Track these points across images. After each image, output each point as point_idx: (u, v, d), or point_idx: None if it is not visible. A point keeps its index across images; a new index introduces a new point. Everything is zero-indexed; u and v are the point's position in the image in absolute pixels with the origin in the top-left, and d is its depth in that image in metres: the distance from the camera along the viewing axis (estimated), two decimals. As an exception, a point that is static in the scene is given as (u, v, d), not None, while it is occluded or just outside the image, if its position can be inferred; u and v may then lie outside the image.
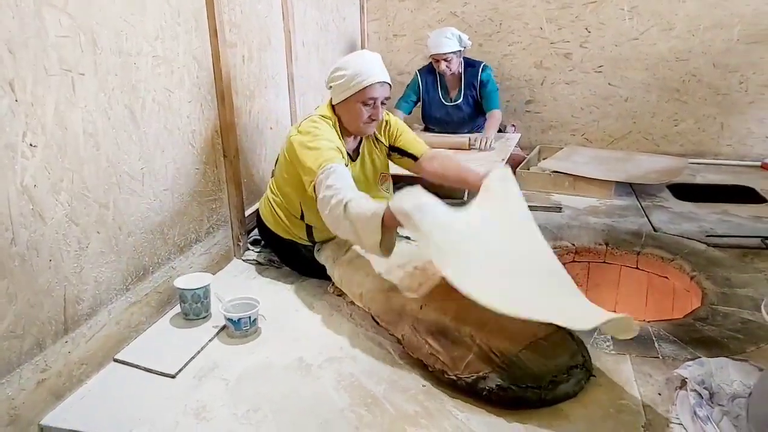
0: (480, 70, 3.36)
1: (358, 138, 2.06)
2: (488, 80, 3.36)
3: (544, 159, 3.35)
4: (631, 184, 3.00)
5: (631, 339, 1.58)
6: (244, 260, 2.24)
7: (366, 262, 1.85)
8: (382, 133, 2.12)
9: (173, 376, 1.53)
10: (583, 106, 3.80)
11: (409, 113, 3.55)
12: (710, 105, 3.58)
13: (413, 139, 2.14)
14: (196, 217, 2.03)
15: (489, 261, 1.48)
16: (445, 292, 1.52)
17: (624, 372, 1.52)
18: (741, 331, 1.68)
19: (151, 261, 1.80)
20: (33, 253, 1.36)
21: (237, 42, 2.21)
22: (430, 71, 3.46)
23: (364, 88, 1.86)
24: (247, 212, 2.32)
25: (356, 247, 1.90)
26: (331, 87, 1.96)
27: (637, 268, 2.26)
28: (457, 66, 3.32)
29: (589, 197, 2.91)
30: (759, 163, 3.50)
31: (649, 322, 1.78)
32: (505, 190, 1.70)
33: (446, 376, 1.45)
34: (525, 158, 3.29)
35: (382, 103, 1.93)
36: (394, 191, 2.13)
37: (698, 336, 1.66)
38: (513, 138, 3.42)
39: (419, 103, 3.55)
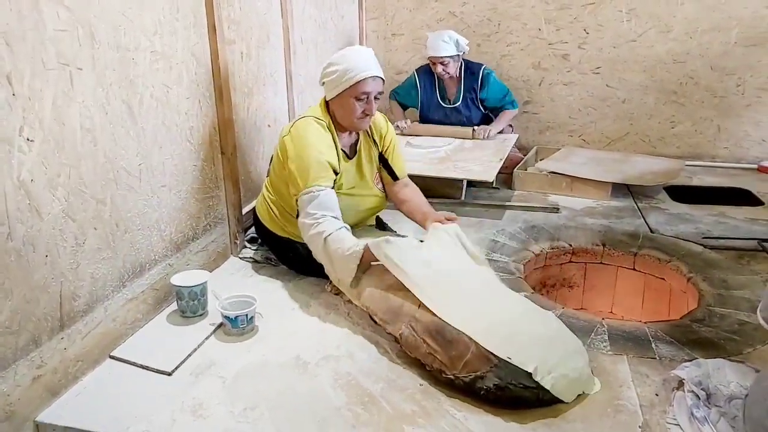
0: (481, 74, 3.35)
1: (355, 135, 2.06)
2: (495, 88, 3.37)
3: (541, 160, 3.36)
4: (628, 186, 3.01)
5: (628, 340, 1.59)
6: (241, 258, 2.23)
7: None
8: (379, 137, 2.11)
9: (170, 374, 1.52)
10: (581, 108, 3.80)
11: (403, 109, 3.60)
12: (707, 107, 3.59)
13: (401, 159, 2.19)
14: (194, 214, 2.02)
15: (452, 288, 1.65)
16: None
17: (621, 372, 1.52)
18: (738, 332, 1.68)
19: (148, 258, 1.79)
20: (29, 249, 1.35)
21: (235, 39, 2.20)
22: (427, 72, 3.46)
23: (357, 82, 1.86)
24: (245, 210, 2.31)
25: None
26: (324, 83, 1.96)
27: (633, 269, 2.27)
28: (454, 70, 3.32)
29: (586, 198, 2.92)
30: (755, 166, 3.51)
31: (646, 323, 1.78)
32: (452, 238, 1.87)
33: (444, 375, 1.45)
34: (522, 159, 3.29)
35: (376, 98, 1.93)
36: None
37: (695, 337, 1.67)
38: (511, 138, 3.42)
39: (414, 106, 3.57)
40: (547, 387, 1.36)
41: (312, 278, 2.03)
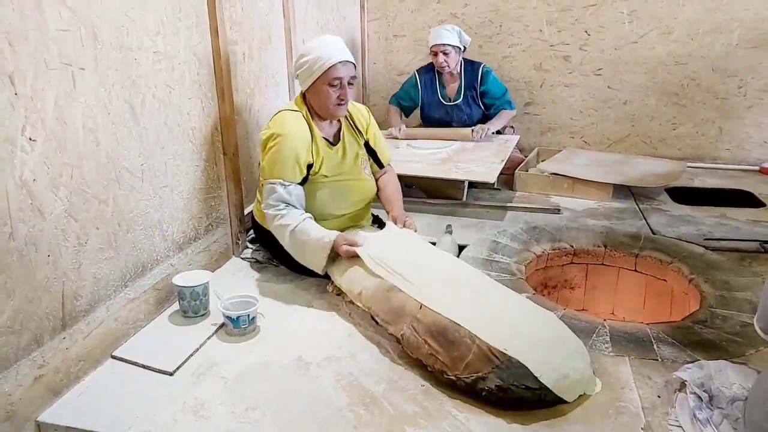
0: (480, 72, 3.35)
1: (336, 123, 2.12)
2: (493, 84, 3.36)
3: (542, 161, 3.35)
4: (629, 187, 3.01)
5: (630, 342, 1.58)
6: (243, 258, 2.23)
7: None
8: (363, 127, 2.19)
9: (171, 374, 1.52)
10: (582, 109, 3.80)
11: (408, 116, 3.56)
12: (709, 109, 3.59)
13: (385, 147, 2.30)
14: (196, 215, 2.02)
15: (452, 289, 1.70)
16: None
17: (623, 374, 1.52)
18: (740, 334, 1.68)
19: (150, 258, 1.80)
20: (31, 248, 1.35)
21: (238, 39, 2.20)
22: (428, 71, 3.45)
23: (328, 69, 1.92)
24: (246, 210, 2.31)
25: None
26: (298, 75, 2.02)
27: (635, 270, 2.26)
28: (455, 63, 3.31)
29: (587, 199, 2.91)
30: (757, 168, 3.51)
31: (647, 324, 1.78)
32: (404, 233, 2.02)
33: (445, 376, 1.44)
34: (524, 160, 3.29)
35: (350, 84, 1.99)
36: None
37: (697, 339, 1.66)
38: (512, 140, 3.41)
39: (415, 109, 3.56)
40: (549, 385, 1.36)
41: (314, 279, 2.03)
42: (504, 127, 3.66)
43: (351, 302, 1.81)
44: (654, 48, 3.55)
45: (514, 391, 1.36)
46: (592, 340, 1.65)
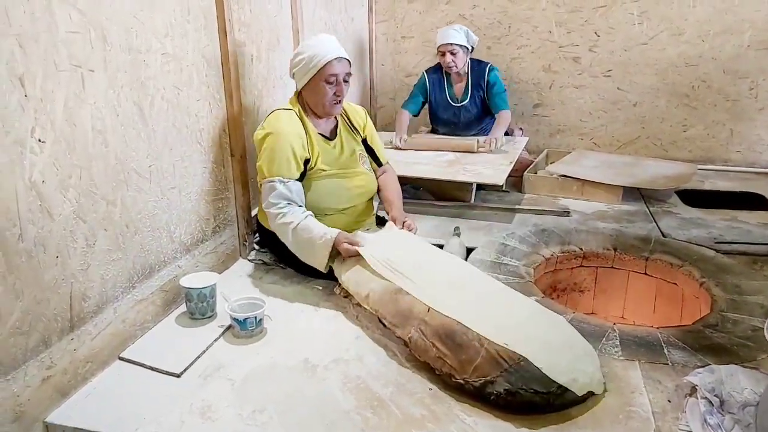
0: (487, 70, 3.34)
1: (332, 120, 2.14)
2: (495, 81, 3.35)
3: (551, 163, 3.34)
4: (639, 190, 2.99)
5: (640, 346, 1.57)
6: (250, 260, 2.23)
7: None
8: (360, 125, 2.22)
9: (178, 376, 1.52)
10: (592, 111, 3.78)
11: (417, 114, 3.54)
12: (720, 111, 3.56)
13: (382, 146, 2.34)
14: (203, 216, 2.02)
15: (458, 293, 1.69)
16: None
17: (633, 378, 1.50)
18: (751, 338, 1.66)
19: (158, 259, 1.80)
20: (40, 250, 1.35)
21: (246, 41, 2.20)
22: (436, 71, 3.45)
23: (323, 66, 1.96)
24: (254, 212, 2.31)
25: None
26: (293, 74, 2.05)
27: (645, 273, 2.24)
28: (462, 63, 3.30)
29: (597, 202, 2.89)
30: (768, 170, 3.48)
31: (658, 328, 1.76)
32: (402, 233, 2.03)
33: (453, 379, 1.43)
34: (533, 162, 3.28)
35: (345, 81, 2.02)
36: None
37: (708, 343, 1.64)
38: (521, 141, 3.40)
39: (426, 105, 3.55)
40: (561, 382, 1.35)
41: (321, 281, 2.02)
42: (512, 130, 3.66)
43: (358, 305, 1.81)
44: (664, 49, 3.53)
45: (522, 395, 1.35)
46: (602, 344, 1.64)
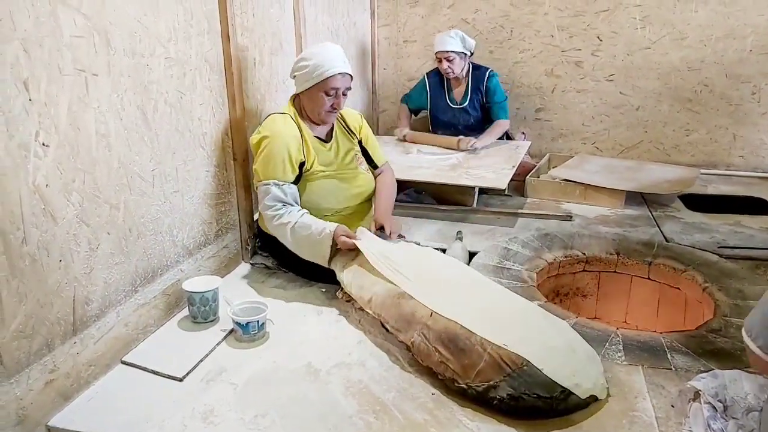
0: (486, 76, 3.36)
1: (327, 125, 2.16)
2: (496, 89, 3.36)
3: (554, 167, 3.33)
4: (642, 194, 2.98)
5: (643, 351, 1.56)
6: (252, 264, 2.23)
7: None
8: (356, 129, 2.24)
9: (181, 380, 1.52)
10: (594, 115, 3.78)
11: (416, 115, 3.62)
12: (722, 115, 3.56)
13: (378, 148, 2.34)
14: (206, 220, 2.02)
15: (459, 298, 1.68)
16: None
17: (636, 383, 1.50)
18: (755, 343, 1.65)
19: (160, 263, 1.80)
20: (44, 253, 1.35)
21: (249, 45, 2.21)
22: (437, 74, 3.47)
23: (327, 78, 1.98)
24: (256, 216, 2.31)
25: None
26: (295, 76, 2.06)
27: (648, 278, 2.24)
28: (460, 68, 3.33)
29: (599, 206, 2.89)
30: (771, 175, 3.47)
31: (661, 333, 1.76)
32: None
33: (456, 384, 1.43)
34: (535, 166, 3.27)
35: (344, 94, 2.04)
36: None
37: (711, 348, 1.64)
38: (523, 146, 3.40)
39: (422, 111, 3.59)
40: (564, 386, 1.35)
41: (323, 285, 2.02)
42: (514, 134, 3.66)
43: (361, 309, 1.81)
44: (667, 54, 3.53)
45: (525, 399, 1.35)
46: (605, 349, 1.63)
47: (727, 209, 2.84)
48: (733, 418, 1.28)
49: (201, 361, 1.60)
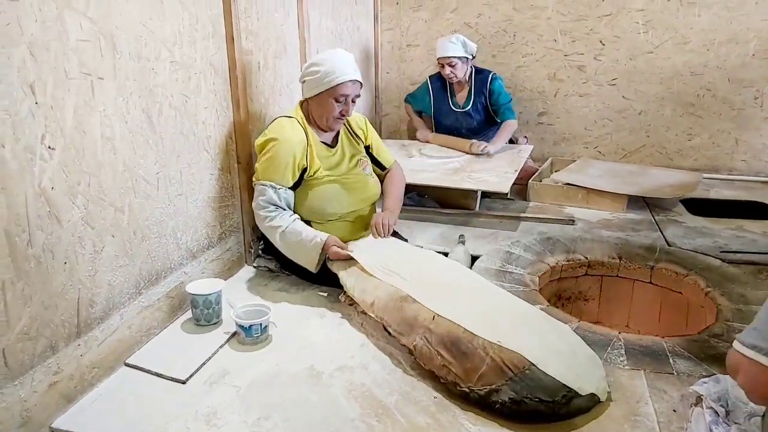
0: (489, 79, 3.37)
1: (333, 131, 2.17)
2: (500, 91, 3.38)
3: (556, 171, 3.34)
4: (644, 198, 2.99)
5: (645, 355, 1.56)
6: (255, 267, 2.24)
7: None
8: (362, 133, 2.24)
9: (184, 382, 1.53)
10: (597, 119, 3.78)
11: (418, 115, 3.69)
12: (725, 120, 3.56)
13: (384, 150, 2.35)
14: (209, 223, 2.03)
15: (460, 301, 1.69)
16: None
17: (638, 387, 1.50)
18: (757, 348, 1.65)
19: (164, 266, 1.81)
20: (49, 256, 1.36)
21: (253, 49, 2.22)
22: (439, 78, 3.49)
23: (337, 84, 1.98)
24: (259, 219, 2.32)
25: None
26: (304, 81, 2.06)
27: (650, 282, 2.24)
28: (462, 73, 3.34)
29: (602, 210, 2.89)
30: (774, 179, 3.47)
31: (663, 337, 1.76)
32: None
33: (458, 388, 1.44)
34: (537, 170, 3.28)
35: (353, 101, 2.05)
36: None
37: (713, 352, 1.64)
38: (525, 149, 3.41)
39: (429, 112, 3.62)
40: (574, 387, 1.35)
41: (326, 288, 2.03)
42: (517, 138, 3.67)
43: (363, 312, 1.81)
44: (669, 58, 3.53)
45: (527, 403, 1.35)
46: (607, 353, 1.64)
47: (730, 214, 2.84)
48: (735, 423, 1.29)
49: (204, 363, 1.61)
